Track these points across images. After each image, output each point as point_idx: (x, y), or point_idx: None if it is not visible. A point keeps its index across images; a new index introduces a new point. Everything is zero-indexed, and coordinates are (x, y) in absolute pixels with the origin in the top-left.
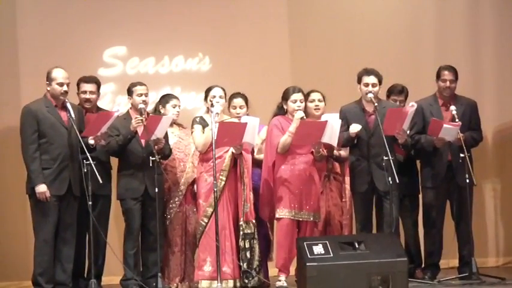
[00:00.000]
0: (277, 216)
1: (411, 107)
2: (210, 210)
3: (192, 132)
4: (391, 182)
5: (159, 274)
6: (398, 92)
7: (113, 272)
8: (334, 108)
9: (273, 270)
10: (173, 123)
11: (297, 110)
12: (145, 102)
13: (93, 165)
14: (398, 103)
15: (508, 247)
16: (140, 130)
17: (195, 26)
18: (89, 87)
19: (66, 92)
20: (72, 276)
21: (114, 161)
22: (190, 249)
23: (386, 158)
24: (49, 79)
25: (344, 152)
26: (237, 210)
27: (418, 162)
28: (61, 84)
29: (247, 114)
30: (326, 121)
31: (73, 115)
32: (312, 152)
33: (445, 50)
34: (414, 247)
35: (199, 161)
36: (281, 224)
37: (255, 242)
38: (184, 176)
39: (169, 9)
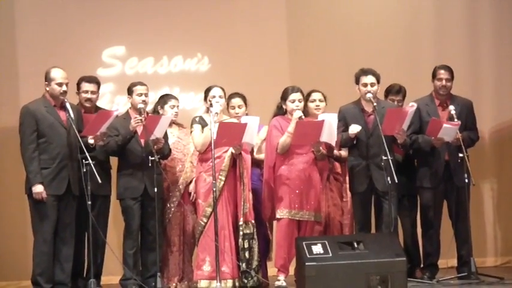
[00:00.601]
0: (277, 216)
1: (411, 107)
2: (209, 210)
3: (191, 132)
4: (390, 182)
5: (158, 274)
6: (396, 92)
7: (112, 272)
8: (333, 108)
9: (272, 270)
10: (172, 123)
11: (296, 109)
12: (145, 102)
13: (92, 165)
14: (396, 103)
15: (507, 247)
16: (139, 130)
17: (194, 26)
18: (90, 87)
19: (65, 92)
20: (72, 275)
21: (114, 161)
22: (189, 249)
23: (386, 158)
24: (48, 79)
25: (344, 152)
26: (236, 210)
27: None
28: (60, 84)
29: (247, 114)
30: (323, 120)
31: (72, 115)
32: (312, 152)
33: (443, 50)
34: (413, 247)
35: (198, 160)
36: (281, 224)
37: (254, 242)
38: (183, 176)
39: (168, 10)
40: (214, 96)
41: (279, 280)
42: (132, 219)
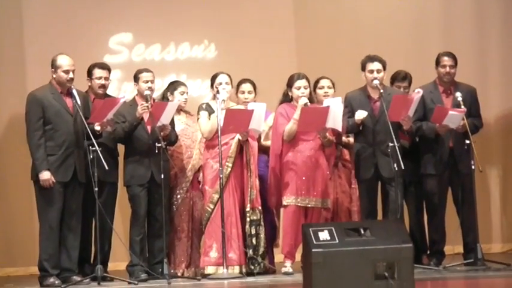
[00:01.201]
0: (284, 203)
1: (417, 93)
2: (216, 196)
3: (198, 119)
4: (396, 169)
5: (165, 260)
6: (402, 78)
7: (119, 258)
8: (340, 95)
9: (278, 257)
10: (180, 110)
11: (301, 96)
12: (151, 89)
13: (99, 151)
14: (402, 90)
15: None
16: (146, 117)
17: (201, 13)
18: (103, 73)
19: (72, 79)
20: (79, 262)
21: (121, 148)
22: (197, 235)
23: (392, 144)
24: (54, 66)
25: (353, 139)
26: (243, 197)
27: None
28: (67, 72)
29: (254, 101)
30: (328, 106)
31: (79, 102)
32: (319, 138)
33: (450, 37)
34: (419, 233)
35: (205, 147)
36: (287, 211)
37: (260, 228)
38: (191, 163)
39: None
40: (220, 83)
41: (285, 267)
42: (139, 206)
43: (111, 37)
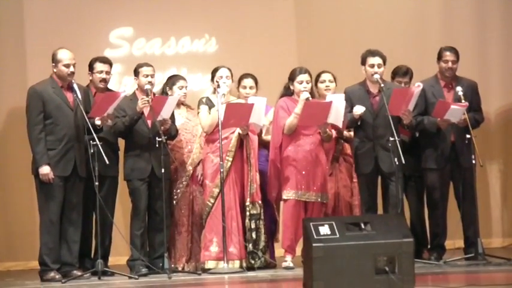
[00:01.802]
0: (284, 197)
1: (417, 87)
2: (216, 190)
3: (198, 113)
4: (397, 163)
5: (166, 254)
6: (403, 73)
7: (120, 253)
8: (340, 90)
9: (279, 251)
10: (181, 104)
11: (303, 91)
12: (151, 83)
13: (99, 145)
14: (403, 85)
15: None
16: (146, 111)
17: (202, 7)
18: (105, 67)
19: (72, 73)
20: (79, 256)
21: (121, 142)
22: (197, 229)
23: (392, 138)
24: (55, 60)
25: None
26: (243, 191)
27: None
28: (67, 66)
29: (255, 95)
30: (331, 102)
31: (80, 96)
32: (319, 133)
33: (451, 31)
34: (420, 228)
35: (205, 141)
36: (287, 205)
37: (261, 222)
38: (191, 157)
39: None
40: (221, 77)
41: (286, 261)
42: (139, 200)
43: (111, 31)
